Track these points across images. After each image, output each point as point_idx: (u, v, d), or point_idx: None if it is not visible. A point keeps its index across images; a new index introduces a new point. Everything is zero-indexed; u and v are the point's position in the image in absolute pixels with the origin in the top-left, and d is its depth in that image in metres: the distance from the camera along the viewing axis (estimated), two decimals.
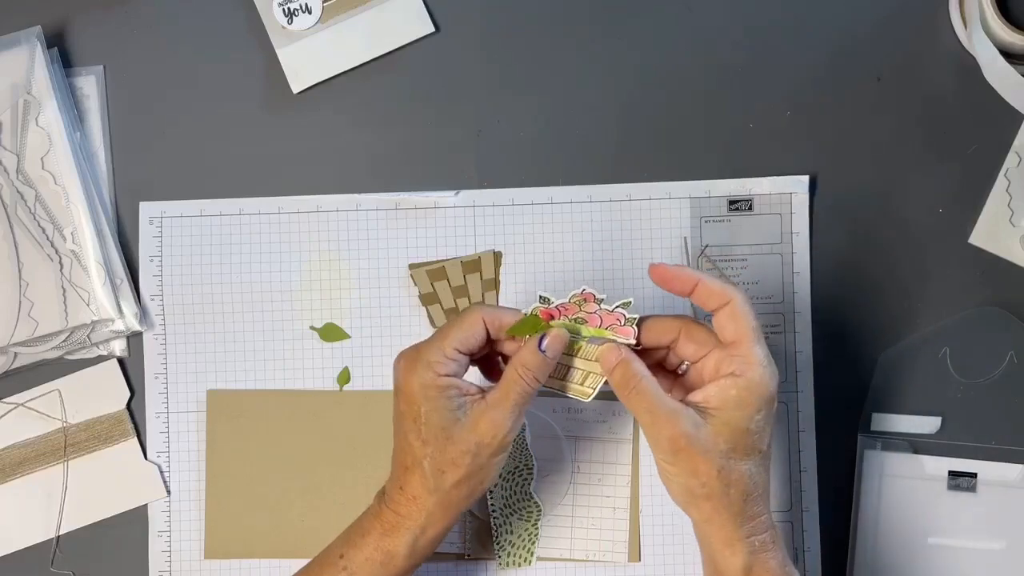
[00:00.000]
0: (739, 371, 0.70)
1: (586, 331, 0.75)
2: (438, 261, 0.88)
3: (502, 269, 0.88)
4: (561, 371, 0.76)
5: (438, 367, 0.73)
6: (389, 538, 0.75)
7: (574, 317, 0.75)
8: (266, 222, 0.89)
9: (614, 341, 0.74)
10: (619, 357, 0.72)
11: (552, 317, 0.75)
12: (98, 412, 0.88)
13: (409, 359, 0.74)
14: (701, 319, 0.77)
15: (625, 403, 0.72)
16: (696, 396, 0.71)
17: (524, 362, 0.74)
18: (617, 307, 0.75)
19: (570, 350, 0.75)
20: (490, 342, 0.76)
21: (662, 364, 0.76)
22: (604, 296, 0.75)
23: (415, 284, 0.88)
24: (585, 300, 0.75)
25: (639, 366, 0.72)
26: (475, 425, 0.73)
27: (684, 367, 0.76)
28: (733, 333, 0.71)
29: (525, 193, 0.88)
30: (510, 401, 0.73)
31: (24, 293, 0.86)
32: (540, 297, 0.76)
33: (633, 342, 0.74)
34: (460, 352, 0.74)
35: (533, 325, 0.75)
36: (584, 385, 0.76)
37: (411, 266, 0.88)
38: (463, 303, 0.88)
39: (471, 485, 0.74)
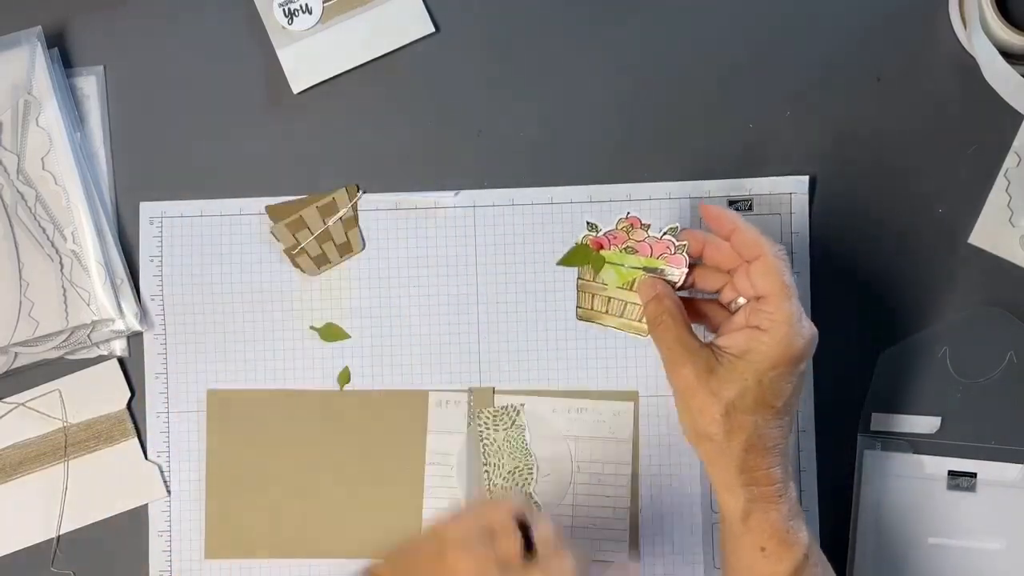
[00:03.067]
0: (764, 326, 0.71)
1: (637, 261, 0.75)
2: (295, 208, 0.88)
3: (360, 203, 0.88)
4: (617, 307, 0.75)
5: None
6: None
7: (624, 246, 0.75)
8: (266, 222, 0.89)
9: (663, 273, 0.74)
10: (653, 292, 0.74)
11: (601, 246, 0.75)
12: (98, 412, 0.88)
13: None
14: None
15: (652, 336, 0.74)
16: (721, 340, 0.73)
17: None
18: (665, 233, 0.75)
19: (624, 284, 0.75)
20: None
21: (718, 302, 0.77)
22: (651, 222, 0.76)
23: (277, 240, 0.88)
24: (632, 226, 0.75)
25: (670, 303, 0.74)
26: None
27: (738, 303, 0.75)
28: (763, 287, 0.71)
29: (525, 193, 0.88)
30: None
31: (24, 293, 0.86)
32: (588, 224, 0.76)
33: (685, 270, 0.74)
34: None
35: (583, 255, 0.75)
36: (641, 322, 0.76)
37: (270, 215, 0.88)
38: (329, 248, 0.88)
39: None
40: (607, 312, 0.75)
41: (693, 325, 0.75)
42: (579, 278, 0.79)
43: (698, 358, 0.72)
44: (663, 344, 0.74)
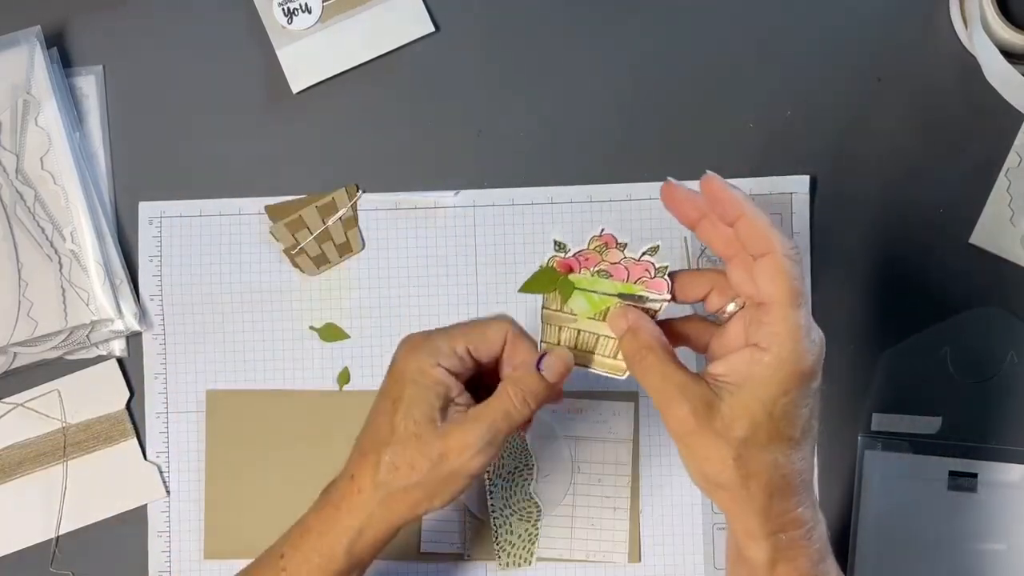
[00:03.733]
0: (765, 343, 0.59)
1: (612, 287, 0.65)
2: (294, 208, 0.88)
3: (360, 203, 0.88)
4: (588, 341, 0.66)
5: (441, 357, 0.68)
6: (326, 538, 0.69)
7: (596, 269, 0.65)
8: (266, 222, 0.89)
9: (643, 301, 0.64)
10: (626, 324, 0.64)
11: (571, 269, 0.65)
12: (97, 412, 0.88)
13: (416, 340, 0.69)
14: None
15: (634, 375, 0.64)
16: (716, 368, 0.62)
17: (517, 380, 0.67)
18: (644, 254, 0.65)
19: (597, 315, 0.65)
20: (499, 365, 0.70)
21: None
22: (627, 241, 0.65)
23: (277, 240, 0.88)
24: (606, 245, 0.65)
25: (648, 335, 0.63)
26: (447, 433, 0.67)
27: (727, 310, 0.65)
28: (768, 291, 0.59)
29: (525, 193, 0.88)
30: (492, 421, 0.66)
31: (23, 293, 0.86)
32: (555, 243, 0.66)
33: (668, 297, 0.64)
34: (470, 354, 0.69)
35: (549, 280, 0.65)
36: (618, 359, 0.66)
37: (270, 215, 0.88)
38: (328, 248, 0.88)
39: (418, 497, 0.68)
40: (576, 347, 0.66)
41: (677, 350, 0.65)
42: (544, 307, 0.68)
43: (693, 395, 0.60)
44: (648, 385, 0.62)
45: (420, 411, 0.67)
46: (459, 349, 0.69)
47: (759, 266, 0.60)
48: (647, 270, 0.65)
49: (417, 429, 0.67)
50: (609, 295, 0.65)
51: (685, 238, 0.87)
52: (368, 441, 0.69)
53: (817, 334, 0.61)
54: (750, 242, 0.61)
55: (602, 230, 0.66)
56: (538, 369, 0.67)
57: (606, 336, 0.66)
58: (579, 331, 0.67)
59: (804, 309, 0.60)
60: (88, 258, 0.87)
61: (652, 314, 0.66)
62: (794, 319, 0.59)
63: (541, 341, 0.68)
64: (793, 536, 0.62)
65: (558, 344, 0.68)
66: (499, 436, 0.67)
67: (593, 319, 0.66)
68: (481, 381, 0.71)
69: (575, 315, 0.67)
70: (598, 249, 0.66)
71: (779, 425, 0.60)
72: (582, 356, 0.67)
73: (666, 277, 0.65)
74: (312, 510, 0.71)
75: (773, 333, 0.59)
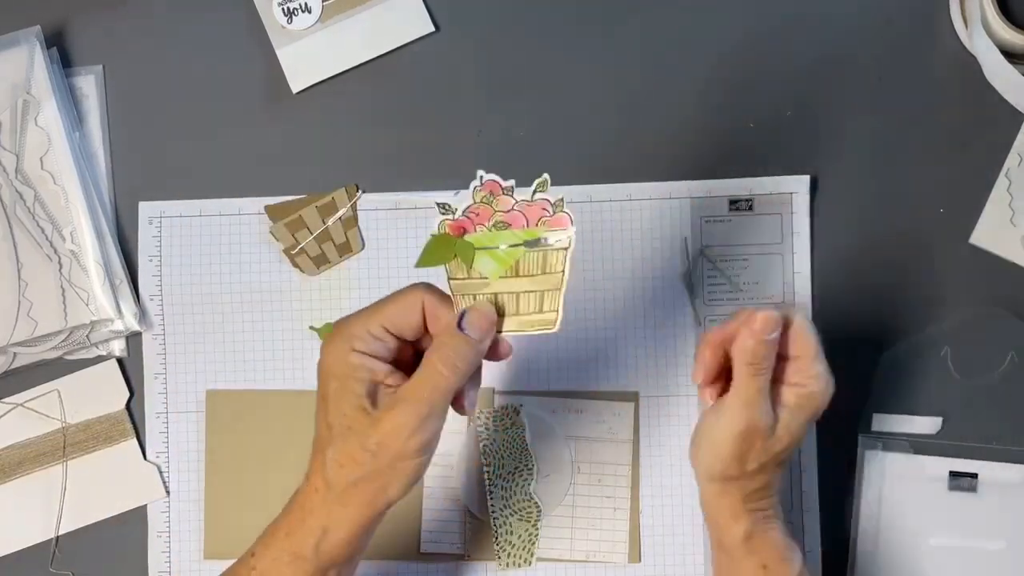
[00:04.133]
0: (802, 382, 0.72)
1: (515, 236, 0.61)
2: (294, 208, 0.88)
3: (359, 203, 0.87)
4: (509, 303, 0.61)
5: (356, 342, 0.65)
6: (293, 538, 0.68)
7: (492, 223, 0.61)
8: (265, 222, 0.89)
9: (546, 242, 0.60)
10: (775, 332, 0.69)
11: (464, 230, 0.60)
12: (97, 412, 0.88)
13: (335, 329, 0.67)
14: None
15: (744, 375, 0.70)
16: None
17: (439, 345, 0.64)
18: (536, 193, 0.62)
19: (508, 271, 0.61)
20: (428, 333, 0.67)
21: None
22: (513, 182, 0.61)
23: (277, 240, 0.88)
24: (491, 194, 0.61)
25: (774, 353, 0.70)
26: (378, 420, 0.64)
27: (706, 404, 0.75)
28: (798, 349, 0.72)
29: (525, 193, 0.88)
30: (422, 396, 0.64)
31: (23, 293, 0.86)
32: (439, 205, 0.61)
33: (574, 231, 0.61)
34: (388, 332, 0.65)
35: (445, 248, 0.60)
36: (544, 311, 0.62)
37: (270, 215, 0.88)
38: (328, 248, 0.88)
39: (371, 490, 0.66)
40: (499, 314, 0.62)
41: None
42: (450, 279, 0.64)
43: (770, 409, 0.71)
44: (756, 385, 0.70)
45: (347, 403, 0.66)
46: (374, 330, 0.65)
47: (789, 334, 0.71)
48: (544, 209, 0.62)
49: (349, 422, 0.65)
50: (515, 246, 0.61)
51: (685, 238, 0.87)
52: (316, 442, 0.68)
53: (831, 382, 0.73)
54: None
55: (481, 176, 0.62)
56: (460, 329, 0.64)
57: (526, 292, 0.62)
58: (496, 294, 0.63)
59: (823, 359, 0.72)
60: (88, 258, 0.87)
61: (563, 251, 0.62)
62: (820, 367, 0.72)
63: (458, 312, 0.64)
64: (767, 513, 0.74)
65: None
66: (436, 409, 0.65)
67: (506, 277, 0.61)
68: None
69: (486, 278, 0.63)
70: (486, 200, 0.62)
71: (798, 440, 0.73)
72: (505, 321, 0.62)
73: (566, 210, 0.61)
74: (283, 511, 0.71)
75: (807, 375, 0.71)
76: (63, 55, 0.89)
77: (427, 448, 0.65)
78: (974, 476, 0.84)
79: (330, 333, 0.67)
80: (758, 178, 0.87)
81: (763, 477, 0.72)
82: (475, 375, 0.67)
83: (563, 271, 0.62)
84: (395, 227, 0.88)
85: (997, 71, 0.82)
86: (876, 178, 0.87)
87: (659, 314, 0.87)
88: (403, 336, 0.66)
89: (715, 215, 0.87)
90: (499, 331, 0.64)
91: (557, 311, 0.62)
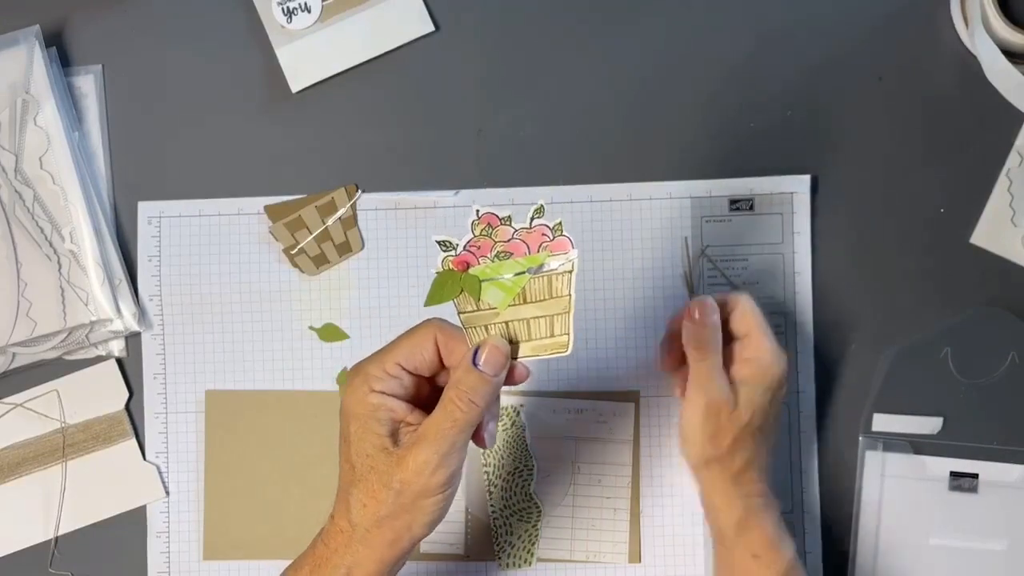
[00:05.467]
0: (751, 355, 0.77)
1: (518, 265, 0.62)
2: (294, 208, 0.88)
3: (359, 203, 0.87)
4: (521, 329, 0.63)
5: (373, 382, 0.66)
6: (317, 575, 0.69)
7: (494, 253, 0.62)
8: (265, 222, 0.88)
9: (552, 267, 0.61)
10: (706, 318, 0.75)
11: (468, 264, 0.62)
12: (97, 412, 0.88)
13: (352, 372, 0.68)
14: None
15: (695, 358, 0.76)
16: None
17: (456, 382, 0.65)
18: (534, 220, 0.63)
19: (517, 299, 0.62)
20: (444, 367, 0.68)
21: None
22: (509, 213, 0.62)
23: (276, 240, 0.88)
24: (490, 226, 0.63)
25: (719, 335, 0.76)
26: (401, 459, 0.65)
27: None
28: (744, 327, 0.78)
29: (525, 193, 0.88)
30: (442, 433, 0.65)
31: (23, 293, 0.86)
32: (439, 243, 0.62)
33: (576, 252, 0.62)
34: (404, 369, 0.67)
35: (452, 284, 0.61)
36: (556, 335, 0.64)
37: (269, 214, 0.88)
38: (328, 248, 0.87)
39: (395, 529, 0.67)
40: (511, 341, 0.63)
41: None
42: (460, 312, 0.65)
43: (726, 385, 0.77)
44: (705, 369, 0.76)
45: (369, 443, 0.67)
46: (390, 368, 0.67)
47: (735, 316, 0.78)
48: (544, 234, 0.63)
49: (371, 463, 0.67)
50: (520, 274, 0.62)
51: (685, 238, 0.87)
52: (340, 483, 0.70)
53: (785, 355, 0.78)
54: (726, 309, 0.78)
55: (478, 212, 0.63)
56: (475, 365, 0.65)
57: (535, 318, 0.63)
58: (507, 323, 0.64)
59: (771, 335, 0.78)
60: (87, 258, 0.86)
61: (567, 275, 0.63)
62: (768, 342, 0.78)
63: (471, 346, 0.65)
64: (758, 501, 0.77)
65: None
66: (456, 444, 0.66)
67: (515, 305, 0.63)
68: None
69: (495, 308, 0.64)
70: (485, 232, 0.63)
71: (762, 415, 0.77)
72: (523, 347, 0.63)
73: (565, 233, 0.63)
74: (308, 547, 0.71)
75: (756, 348, 0.78)
76: (62, 55, 0.89)
77: (450, 484, 0.66)
78: (974, 476, 0.84)
79: (349, 375, 0.68)
80: (758, 178, 0.87)
81: (743, 454, 0.76)
82: (493, 406, 0.68)
83: (569, 294, 0.63)
84: (395, 227, 0.88)
85: (997, 71, 0.82)
86: (876, 178, 0.87)
87: (659, 314, 0.87)
88: (419, 372, 0.68)
89: (715, 215, 0.87)
90: (514, 358, 0.65)
91: (568, 333, 0.63)
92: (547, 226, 0.63)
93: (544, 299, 0.62)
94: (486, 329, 0.65)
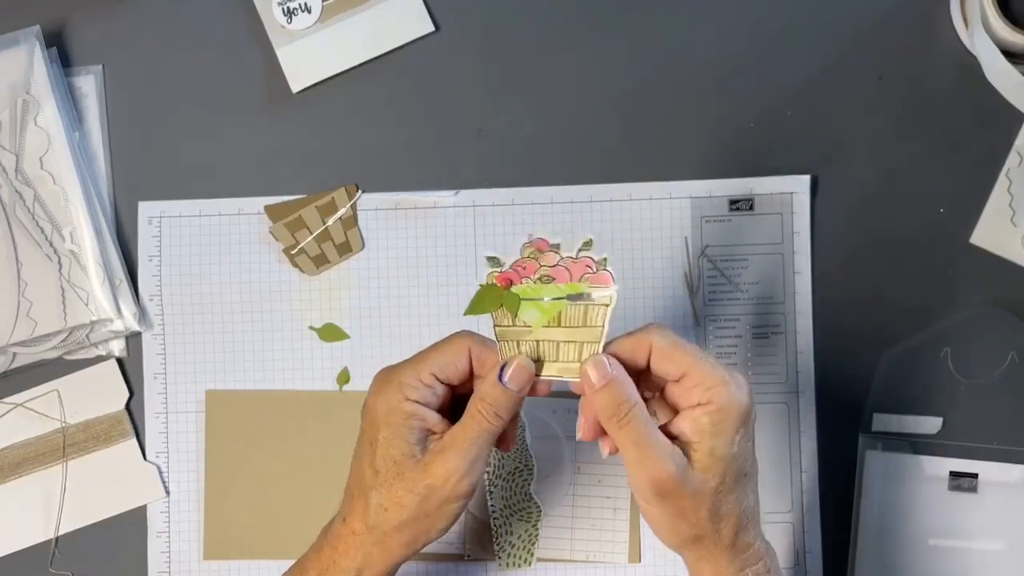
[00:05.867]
0: (703, 399, 0.64)
1: (558, 290, 0.65)
2: (294, 208, 0.88)
3: (359, 203, 0.88)
4: (550, 350, 0.65)
5: (408, 390, 0.67)
6: None
7: (537, 276, 0.65)
8: (265, 222, 0.88)
9: (591, 298, 0.64)
10: (607, 376, 0.64)
11: (511, 282, 0.65)
12: (97, 412, 0.88)
13: (382, 377, 0.69)
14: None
15: (609, 431, 0.65)
16: (673, 428, 0.66)
17: (483, 396, 0.66)
18: (580, 251, 0.65)
19: (552, 321, 0.65)
20: (473, 377, 0.69)
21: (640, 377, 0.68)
22: (559, 240, 0.65)
23: (276, 240, 0.88)
24: (539, 250, 0.65)
25: (631, 388, 0.64)
26: (428, 465, 0.67)
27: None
28: (675, 368, 0.65)
29: (525, 193, 0.88)
30: (467, 442, 0.66)
31: (23, 293, 0.86)
32: (488, 259, 0.65)
33: (616, 288, 0.65)
34: (437, 379, 0.68)
35: (493, 298, 0.64)
36: (583, 360, 0.65)
37: (269, 215, 0.88)
38: (328, 248, 0.88)
39: (413, 532, 0.68)
40: (539, 359, 0.65)
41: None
42: (496, 325, 0.67)
43: (674, 452, 0.64)
44: (630, 438, 0.64)
45: (397, 450, 0.68)
46: (425, 378, 0.68)
47: (655, 355, 0.65)
48: (588, 266, 0.66)
49: (398, 468, 0.68)
50: (558, 299, 0.65)
51: (685, 238, 0.87)
52: (355, 485, 0.70)
53: (742, 377, 0.66)
54: (637, 355, 0.66)
55: (530, 235, 0.66)
56: (501, 381, 0.67)
57: (565, 342, 0.65)
58: (538, 342, 0.66)
59: (712, 360, 0.65)
60: (87, 258, 0.86)
61: (604, 308, 0.66)
62: (714, 371, 0.64)
63: (501, 359, 0.68)
64: (757, 569, 0.67)
65: None
66: (482, 452, 0.67)
67: (548, 327, 0.65)
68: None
69: (529, 326, 0.67)
70: (533, 256, 0.66)
71: (739, 464, 0.65)
72: (545, 367, 0.66)
73: (608, 269, 0.65)
74: (311, 550, 0.72)
75: (705, 389, 0.64)
76: (63, 55, 0.89)
77: (472, 489, 0.68)
78: (974, 476, 0.84)
79: (379, 380, 0.69)
80: (758, 178, 0.87)
81: (729, 520, 0.66)
82: (514, 416, 0.69)
83: (603, 326, 0.65)
84: (395, 227, 0.88)
85: (997, 71, 0.82)
86: (876, 178, 0.87)
87: (659, 314, 0.87)
88: (450, 382, 0.69)
89: (715, 215, 0.87)
90: (538, 375, 0.67)
91: (595, 356, 0.65)
92: (592, 259, 0.65)
93: (577, 326, 0.64)
94: (517, 345, 0.67)
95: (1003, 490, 0.84)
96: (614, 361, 0.65)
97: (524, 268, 0.65)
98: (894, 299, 0.86)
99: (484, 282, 0.65)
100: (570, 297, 0.65)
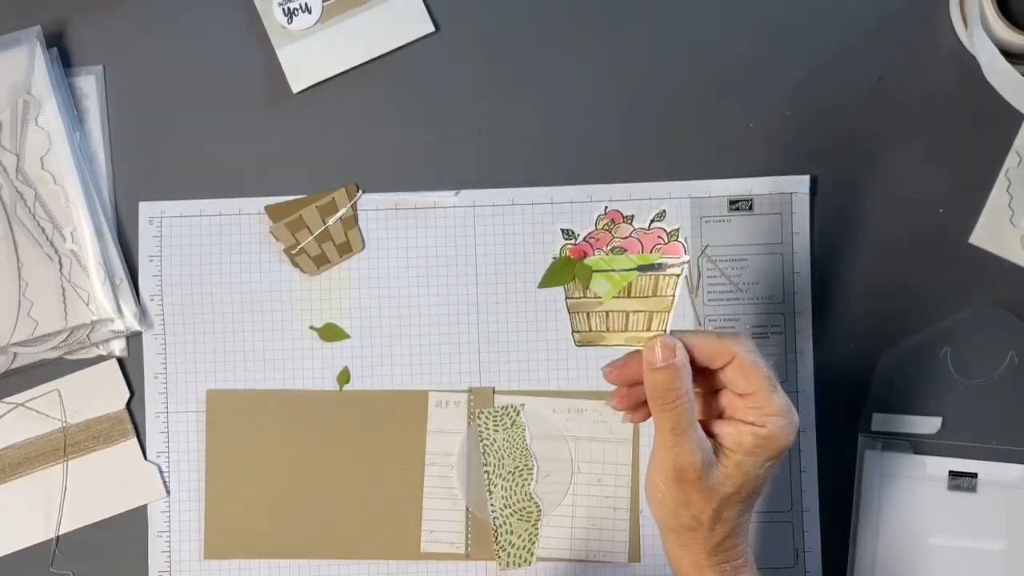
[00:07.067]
0: (759, 421, 0.66)
1: (629, 261, 0.67)
2: (294, 208, 0.88)
3: (360, 203, 0.88)
4: (619, 321, 0.67)
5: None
6: None
7: (609, 247, 0.67)
8: (266, 222, 0.89)
9: (663, 268, 0.66)
10: (670, 360, 0.64)
11: (584, 254, 0.68)
12: (98, 412, 0.88)
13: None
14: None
15: (652, 408, 0.67)
16: (717, 429, 0.68)
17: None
18: (652, 222, 0.68)
19: (622, 292, 0.67)
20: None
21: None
22: (633, 213, 0.67)
23: (277, 240, 0.88)
24: (613, 222, 0.68)
25: (688, 380, 0.65)
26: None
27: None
28: (747, 385, 0.66)
29: (525, 193, 0.88)
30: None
31: (24, 293, 0.86)
32: (563, 231, 0.69)
33: (687, 259, 0.68)
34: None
35: (566, 270, 0.68)
36: (652, 330, 0.67)
37: (270, 215, 0.88)
38: (328, 248, 0.88)
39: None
40: (608, 329, 0.68)
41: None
42: (567, 297, 0.70)
43: (705, 447, 0.66)
44: (669, 423, 0.65)
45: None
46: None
47: (731, 369, 0.66)
48: (660, 237, 0.68)
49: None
50: (629, 270, 0.66)
51: (685, 238, 0.87)
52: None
53: (797, 416, 0.68)
54: (714, 360, 0.67)
55: (606, 208, 0.67)
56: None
57: (636, 312, 0.67)
58: (608, 313, 0.67)
59: (779, 391, 0.66)
60: (88, 258, 0.87)
61: (675, 277, 0.67)
62: (776, 400, 0.66)
63: (573, 332, 0.68)
64: (735, 565, 0.69)
65: (590, 331, 0.69)
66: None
67: (619, 298, 0.66)
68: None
69: (600, 298, 0.67)
70: (606, 227, 0.67)
71: (756, 485, 0.68)
72: (614, 336, 0.67)
73: (680, 239, 0.66)
74: None
75: (764, 413, 0.66)
76: (63, 55, 0.89)
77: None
78: (974, 476, 0.84)
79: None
80: (758, 178, 0.87)
81: (725, 526, 0.68)
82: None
83: (673, 295, 0.67)
84: (395, 227, 0.88)
85: (997, 71, 0.82)
86: (876, 178, 0.87)
87: None
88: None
89: (715, 215, 0.87)
90: (612, 345, 0.67)
91: (665, 331, 0.65)
92: (664, 230, 0.67)
93: (648, 296, 0.67)
94: (588, 316, 0.68)
95: (1002, 490, 0.84)
96: (682, 348, 0.65)
97: (597, 240, 0.69)
98: (894, 299, 0.86)
99: (557, 255, 0.66)
100: (641, 268, 0.67)
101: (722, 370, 0.67)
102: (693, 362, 0.66)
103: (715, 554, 0.68)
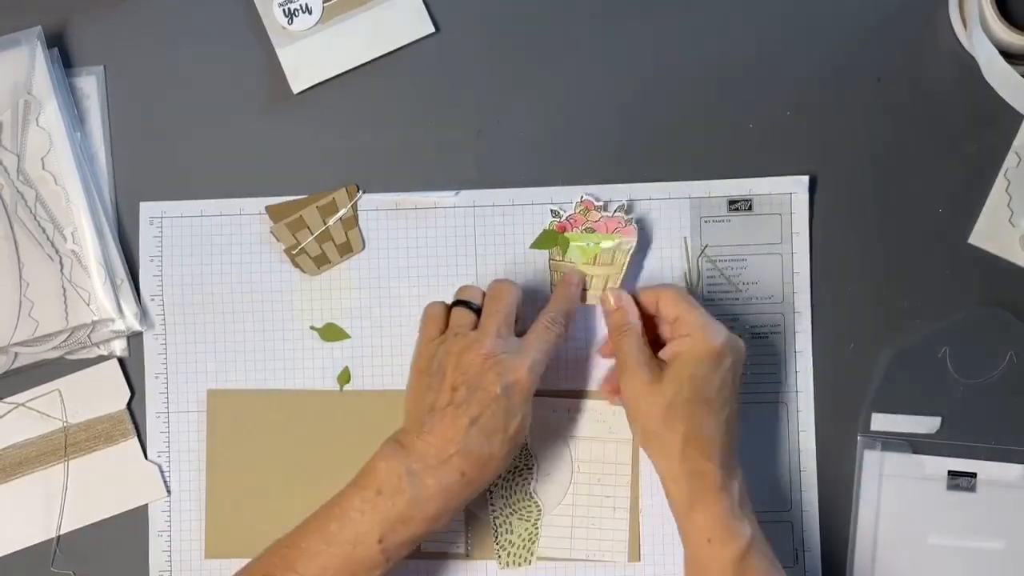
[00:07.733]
0: (683, 332, 0.80)
1: (598, 238, 0.86)
2: (295, 208, 0.88)
3: (360, 203, 0.88)
4: (587, 282, 0.86)
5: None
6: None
7: (583, 227, 0.86)
8: (266, 222, 0.89)
9: (619, 245, 0.86)
10: (620, 302, 0.84)
11: (565, 229, 0.86)
12: (98, 412, 0.88)
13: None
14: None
15: (613, 343, 0.83)
16: (662, 352, 0.82)
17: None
18: (616, 211, 0.86)
19: (590, 259, 0.86)
20: None
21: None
22: (603, 203, 0.86)
23: (277, 240, 0.88)
24: (587, 208, 0.86)
25: (634, 315, 0.83)
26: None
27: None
28: (674, 311, 0.82)
29: (525, 193, 0.88)
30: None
31: (24, 293, 0.86)
32: (552, 211, 0.86)
33: (635, 239, 0.85)
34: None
35: (551, 239, 0.87)
36: (606, 289, 0.85)
37: (270, 215, 0.89)
38: (329, 248, 0.88)
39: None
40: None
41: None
42: (551, 258, 0.87)
43: (652, 365, 0.81)
44: (623, 350, 0.82)
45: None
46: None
47: (663, 305, 0.83)
48: (619, 223, 0.86)
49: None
50: (596, 245, 0.86)
51: (685, 238, 0.87)
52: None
53: (723, 329, 0.80)
54: (648, 302, 0.85)
55: (582, 197, 0.86)
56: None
57: (597, 276, 0.86)
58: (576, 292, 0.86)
59: (702, 310, 0.81)
60: (89, 258, 0.87)
61: (627, 251, 0.86)
62: (697, 316, 0.81)
63: (552, 284, 0.87)
64: (708, 484, 0.77)
65: None
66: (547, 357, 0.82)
67: (587, 263, 0.86)
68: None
69: (573, 261, 0.87)
70: (582, 212, 0.86)
71: (698, 387, 0.79)
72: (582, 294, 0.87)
73: (633, 224, 0.86)
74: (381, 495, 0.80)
75: (688, 325, 0.80)
76: (64, 55, 0.90)
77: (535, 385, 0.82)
78: (973, 476, 0.84)
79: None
80: (758, 178, 0.87)
81: (678, 428, 0.78)
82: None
83: (623, 264, 0.86)
84: (395, 227, 0.89)
85: (996, 71, 0.82)
86: (876, 178, 0.87)
87: None
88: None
89: (715, 215, 0.87)
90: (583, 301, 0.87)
91: (616, 287, 0.86)
92: (623, 216, 0.86)
93: (608, 264, 0.86)
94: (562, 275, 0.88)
95: (1001, 489, 0.84)
96: (627, 295, 0.84)
97: (574, 220, 0.86)
98: (893, 299, 0.86)
99: (546, 227, 0.87)
100: (604, 243, 0.86)
101: (659, 308, 0.83)
102: (641, 309, 0.84)
103: (683, 462, 0.78)
